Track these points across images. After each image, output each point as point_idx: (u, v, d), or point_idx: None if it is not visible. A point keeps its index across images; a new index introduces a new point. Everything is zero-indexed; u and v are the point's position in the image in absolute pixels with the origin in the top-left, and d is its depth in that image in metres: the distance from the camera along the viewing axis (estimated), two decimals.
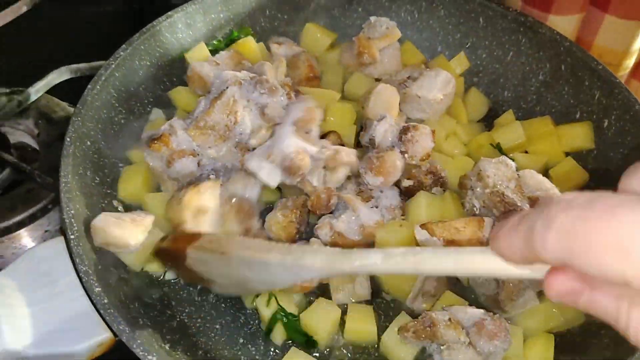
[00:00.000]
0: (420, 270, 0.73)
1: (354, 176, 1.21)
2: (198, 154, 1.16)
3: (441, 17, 1.55)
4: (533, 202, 1.09)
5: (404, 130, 1.20)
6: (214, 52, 1.40)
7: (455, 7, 1.52)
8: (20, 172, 1.37)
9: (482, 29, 1.52)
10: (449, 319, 1.02)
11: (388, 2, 1.56)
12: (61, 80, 1.52)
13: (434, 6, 1.54)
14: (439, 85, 1.35)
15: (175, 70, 1.41)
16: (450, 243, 1.09)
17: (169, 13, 1.37)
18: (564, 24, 1.87)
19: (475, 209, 1.15)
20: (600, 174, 1.33)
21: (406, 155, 1.19)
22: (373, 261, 0.75)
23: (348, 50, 1.48)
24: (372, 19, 1.50)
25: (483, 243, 1.10)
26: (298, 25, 1.55)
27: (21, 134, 1.52)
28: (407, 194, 1.21)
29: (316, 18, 1.56)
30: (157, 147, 1.15)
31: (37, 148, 1.49)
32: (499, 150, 1.36)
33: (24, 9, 1.73)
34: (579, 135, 1.36)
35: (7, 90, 1.53)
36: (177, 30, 1.39)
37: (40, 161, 1.45)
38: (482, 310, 1.04)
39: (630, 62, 2.03)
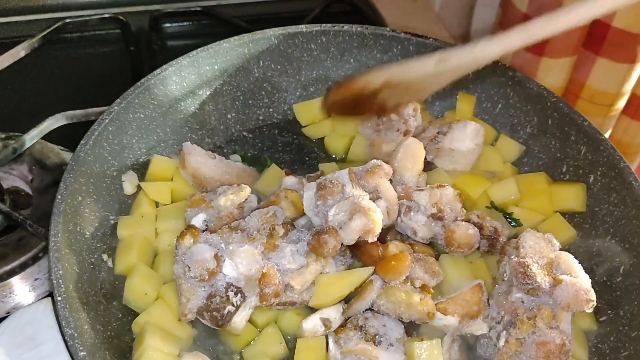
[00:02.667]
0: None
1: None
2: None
3: None
4: (555, 283, 1.11)
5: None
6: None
7: None
8: (12, 219, 1.38)
9: (472, 82, 1.55)
10: None
11: (379, 53, 1.59)
12: (57, 126, 1.54)
13: None
14: (470, 135, 1.40)
15: (168, 121, 1.43)
16: (464, 317, 1.13)
17: (163, 67, 1.40)
18: (557, 66, 1.91)
19: (505, 275, 1.18)
20: (585, 229, 1.35)
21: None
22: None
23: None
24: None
25: (484, 303, 1.16)
26: (291, 76, 1.58)
27: (14, 179, 1.54)
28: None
29: (309, 69, 1.59)
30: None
31: (31, 193, 1.50)
32: (494, 208, 1.37)
33: (22, 53, 1.77)
34: (572, 196, 1.36)
35: (3, 136, 1.55)
36: (170, 83, 1.41)
37: (33, 207, 1.47)
38: None
39: (621, 103, 2.06)
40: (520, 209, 1.36)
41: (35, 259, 1.35)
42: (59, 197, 1.14)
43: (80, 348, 0.95)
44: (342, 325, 1.11)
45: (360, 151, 1.49)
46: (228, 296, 1.09)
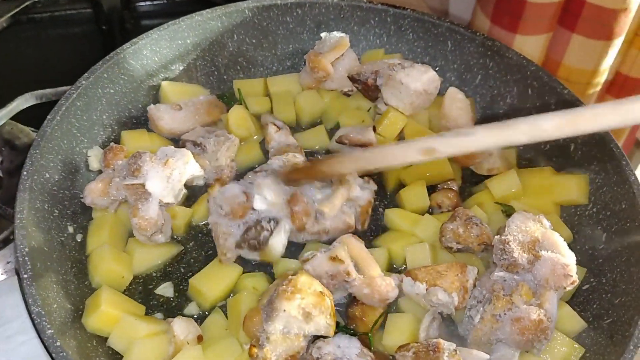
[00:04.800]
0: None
1: None
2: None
3: (410, 40, 1.54)
4: (535, 259, 1.08)
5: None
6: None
7: (424, 31, 1.52)
8: None
9: (451, 53, 1.52)
10: (455, 351, 1.01)
11: (357, 25, 1.55)
12: (26, 106, 1.49)
13: (403, 30, 1.54)
14: (425, 80, 1.39)
15: (140, 96, 1.39)
16: (433, 286, 1.11)
17: (134, 40, 1.36)
18: (531, 43, 1.88)
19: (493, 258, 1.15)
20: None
21: None
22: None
23: (304, 72, 1.50)
24: (323, 34, 1.51)
25: (466, 288, 1.12)
26: (267, 50, 1.54)
27: None
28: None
29: (285, 42, 1.55)
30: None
31: (1, 175, 1.46)
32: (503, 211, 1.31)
33: None
34: (574, 188, 1.30)
35: None
36: (142, 57, 1.37)
37: (2, 189, 1.42)
38: (487, 356, 1.03)
39: (600, 80, 2.04)
40: (521, 205, 1.30)
41: (5, 242, 1.30)
42: (25, 173, 1.10)
43: (48, 326, 0.92)
44: None
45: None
46: (262, 225, 1.15)
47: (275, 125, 1.38)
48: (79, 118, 1.25)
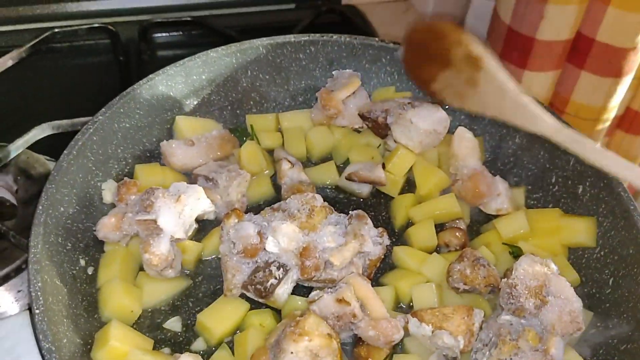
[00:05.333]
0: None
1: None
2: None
3: None
4: (542, 305, 1.09)
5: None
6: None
7: None
8: None
9: None
10: None
11: (368, 63, 1.58)
12: (43, 136, 1.52)
13: None
14: (435, 119, 1.41)
15: (154, 130, 1.42)
16: (439, 329, 1.12)
17: (150, 76, 1.39)
18: (540, 79, 1.90)
19: (500, 302, 1.16)
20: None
21: None
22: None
23: (316, 108, 1.52)
24: (335, 72, 1.54)
25: (472, 332, 1.12)
26: (280, 86, 1.57)
27: (0, 189, 1.52)
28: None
29: (298, 79, 1.58)
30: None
31: (16, 204, 1.48)
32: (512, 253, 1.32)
33: (10, 63, 1.76)
34: (582, 231, 1.31)
35: None
36: (157, 92, 1.40)
37: (17, 218, 1.45)
38: None
39: (609, 116, 2.05)
40: (529, 246, 1.31)
41: (18, 271, 1.32)
42: (40, 208, 1.12)
43: None
44: None
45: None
46: (271, 270, 1.15)
47: (288, 161, 1.40)
48: (94, 152, 1.28)
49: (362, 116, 1.48)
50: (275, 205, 1.24)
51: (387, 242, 1.25)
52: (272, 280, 1.14)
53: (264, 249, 1.17)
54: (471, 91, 1.16)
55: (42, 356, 0.94)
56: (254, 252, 1.16)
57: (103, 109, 1.30)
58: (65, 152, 1.21)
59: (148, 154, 1.41)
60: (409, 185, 1.45)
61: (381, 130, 1.47)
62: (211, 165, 1.38)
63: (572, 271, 1.28)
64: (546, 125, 1.09)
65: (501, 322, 1.11)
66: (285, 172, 1.39)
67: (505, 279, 1.14)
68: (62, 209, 1.18)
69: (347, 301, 1.09)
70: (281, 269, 1.15)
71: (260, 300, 1.17)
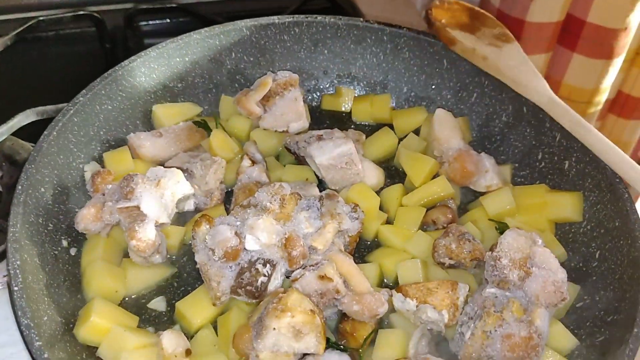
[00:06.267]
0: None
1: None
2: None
3: (406, 59, 1.56)
4: (526, 276, 1.08)
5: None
6: None
7: (420, 49, 1.54)
8: None
9: (447, 71, 1.53)
10: None
11: (353, 44, 1.57)
12: (27, 122, 1.51)
13: (399, 48, 1.55)
14: (334, 154, 1.31)
15: (137, 113, 1.41)
16: (423, 303, 1.11)
17: (132, 57, 1.38)
18: (532, 62, 1.89)
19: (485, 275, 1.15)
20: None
21: None
22: None
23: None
24: (279, 73, 1.46)
25: (457, 306, 1.12)
26: (264, 68, 1.56)
27: None
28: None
29: (283, 61, 1.57)
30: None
31: (0, 190, 1.47)
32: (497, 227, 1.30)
33: None
34: (569, 206, 1.30)
35: None
36: (139, 74, 1.39)
37: (1, 204, 1.43)
38: None
39: (601, 99, 2.05)
40: (516, 222, 1.29)
41: (2, 256, 1.31)
42: (19, 188, 1.11)
43: (36, 338, 0.93)
44: None
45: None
46: (257, 269, 1.11)
47: (251, 159, 1.35)
48: (75, 134, 1.27)
49: (286, 148, 1.43)
50: (245, 202, 1.19)
51: (362, 215, 1.23)
52: (262, 279, 1.10)
53: (244, 248, 1.12)
54: (492, 57, 1.41)
55: (21, 332, 0.93)
56: (236, 254, 1.11)
57: (84, 91, 1.29)
58: (45, 132, 1.21)
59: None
60: (390, 177, 1.44)
61: (304, 162, 1.40)
62: (182, 156, 1.36)
63: (559, 246, 1.28)
64: (556, 102, 1.31)
65: (486, 295, 1.10)
66: (243, 169, 1.34)
67: (490, 252, 1.13)
68: (42, 189, 1.17)
69: (329, 277, 1.09)
70: (268, 265, 1.11)
71: (254, 301, 1.13)
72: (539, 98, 1.34)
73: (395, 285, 1.22)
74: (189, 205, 1.31)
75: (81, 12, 1.94)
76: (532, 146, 1.42)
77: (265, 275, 1.11)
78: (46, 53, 1.92)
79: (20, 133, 1.49)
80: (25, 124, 1.50)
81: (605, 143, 1.24)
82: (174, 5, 2.00)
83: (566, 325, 1.14)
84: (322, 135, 1.36)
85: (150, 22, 2.02)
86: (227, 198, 1.36)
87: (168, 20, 2.04)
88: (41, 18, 1.89)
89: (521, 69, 1.39)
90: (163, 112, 1.43)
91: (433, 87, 1.56)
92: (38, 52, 1.91)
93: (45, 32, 1.93)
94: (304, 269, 1.12)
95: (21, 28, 1.84)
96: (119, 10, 2.00)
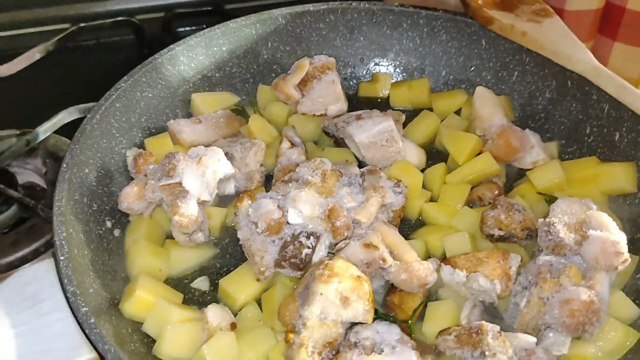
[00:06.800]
0: None
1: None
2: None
3: (443, 41, 1.54)
4: (582, 240, 1.03)
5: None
6: None
7: (457, 31, 1.52)
8: (26, 208, 1.37)
9: (485, 51, 1.50)
10: (499, 332, 0.96)
11: (389, 30, 1.56)
12: (70, 120, 1.54)
13: (435, 31, 1.54)
14: (375, 132, 1.29)
15: (177, 102, 1.42)
16: (473, 273, 1.07)
17: (171, 46, 1.40)
18: None
19: (538, 247, 1.11)
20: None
21: None
22: None
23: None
24: (316, 57, 1.46)
25: (509, 276, 1.07)
26: (300, 57, 1.55)
27: (30, 173, 1.53)
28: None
29: (318, 49, 1.57)
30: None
31: (45, 187, 1.50)
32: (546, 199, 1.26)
33: (37, 56, 1.79)
34: (621, 176, 1.24)
35: (18, 132, 1.55)
36: (178, 63, 1.41)
37: (46, 198, 1.45)
38: (534, 339, 0.98)
39: None
40: (566, 196, 1.20)
41: (47, 246, 1.33)
42: (64, 165, 1.13)
43: (83, 304, 0.92)
44: (335, 354, 1.00)
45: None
46: (301, 241, 1.10)
47: (290, 141, 1.35)
48: (117, 119, 1.28)
49: (324, 132, 1.42)
50: (286, 177, 1.18)
51: (405, 190, 1.20)
52: (306, 251, 1.09)
53: (287, 222, 1.11)
54: (532, 32, 1.39)
55: (67, 299, 0.92)
56: (279, 227, 1.10)
57: (125, 77, 1.31)
58: (88, 116, 1.22)
59: None
60: (432, 159, 1.40)
61: (343, 145, 1.39)
62: (222, 142, 1.36)
63: (614, 218, 1.21)
64: (602, 70, 1.28)
65: (540, 262, 1.05)
66: (283, 151, 1.33)
67: (542, 219, 1.09)
68: (86, 170, 1.18)
69: (375, 245, 1.06)
70: (312, 237, 1.10)
71: (299, 273, 1.11)
72: (583, 68, 1.30)
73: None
74: (230, 189, 1.30)
75: (120, 19, 1.98)
76: (579, 120, 1.37)
77: (309, 247, 1.08)
78: (87, 59, 1.97)
79: (63, 131, 1.52)
80: (67, 121, 1.53)
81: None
82: (209, 8, 2.03)
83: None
84: (361, 114, 1.34)
85: (187, 28, 2.06)
86: (267, 182, 1.34)
87: (204, 26, 2.07)
88: (82, 24, 1.94)
89: (563, 41, 1.36)
90: (202, 100, 1.44)
91: (472, 68, 1.54)
92: (79, 58, 1.95)
93: (86, 40, 1.98)
94: (348, 239, 1.09)
95: (62, 34, 1.89)
96: (157, 18, 2.04)
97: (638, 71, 1.91)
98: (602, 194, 1.27)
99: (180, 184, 1.15)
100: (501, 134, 1.35)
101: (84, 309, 0.92)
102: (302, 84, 1.43)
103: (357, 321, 0.99)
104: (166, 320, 1.03)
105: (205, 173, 1.19)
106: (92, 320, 0.90)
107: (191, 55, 1.43)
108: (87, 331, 0.89)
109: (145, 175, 1.21)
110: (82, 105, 1.54)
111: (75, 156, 1.15)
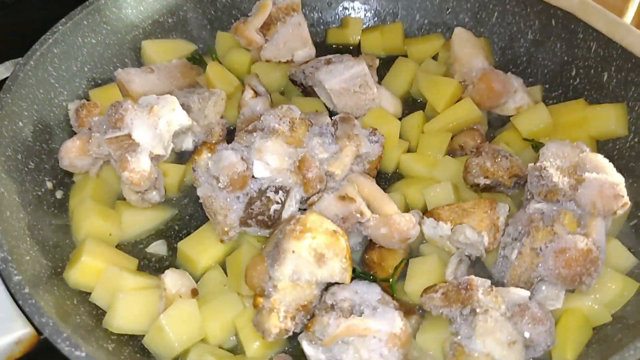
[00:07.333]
0: None
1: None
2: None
3: None
4: (577, 183, 0.93)
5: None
6: None
7: None
8: None
9: None
10: (491, 287, 0.87)
11: None
12: (7, 75, 1.37)
13: None
14: (346, 77, 1.18)
15: (125, 50, 1.28)
16: (459, 225, 0.98)
17: None
18: None
19: (527, 194, 1.01)
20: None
21: None
22: None
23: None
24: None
25: (497, 227, 0.98)
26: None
27: None
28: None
29: None
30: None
31: None
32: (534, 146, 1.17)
33: None
34: (612, 118, 1.15)
35: None
36: (124, 5, 1.26)
37: None
38: (528, 293, 0.89)
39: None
40: None
41: None
42: None
43: (15, 272, 0.79)
44: (310, 319, 0.89)
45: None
46: (268, 197, 0.98)
47: (253, 90, 1.21)
48: (56, 67, 1.14)
49: (291, 80, 1.29)
50: (250, 127, 1.05)
51: (382, 138, 1.09)
52: (275, 206, 0.97)
53: (252, 176, 0.99)
54: None
55: None
56: (243, 181, 0.98)
57: (63, 19, 1.16)
58: (21, 61, 1.07)
59: None
60: (408, 109, 1.29)
61: (312, 94, 1.27)
62: (177, 93, 1.21)
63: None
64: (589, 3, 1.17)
65: (531, 211, 0.96)
66: (246, 101, 1.19)
67: (533, 164, 0.99)
68: (20, 123, 1.04)
69: (351, 197, 0.95)
70: (280, 192, 0.98)
71: (267, 231, 1.00)
72: (569, 3, 1.20)
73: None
74: (188, 144, 1.17)
75: None
76: (564, 62, 1.28)
77: (278, 203, 0.97)
78: (21, 13, 1.78)
79: None
80: (4, 77, 1.36)
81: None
82: None
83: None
84: (331, 59, 1.22)
85: None
86: (230, 137, 1.22)
87: None
88: None
89: None
90: (153, 48, 1.30)
91: (448, 10, 1.42)
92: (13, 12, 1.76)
93: None
94: (321, 193, 0.98)
95: None
96: None
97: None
98: (591, 139, 1.18)
99: (129, 136, 1.01)
100: (483, 78, 1.24)
101: (17, 277, 0.79)
102: (265, 28, 1.29)
103: (333, 281, 0.89)
104: (117, 288, 0.91)
105: (158, 124, 1.05)
106: (26, 290, 0.78)
107: None
108: (20, 302, 0.77)
109: (90, 129, 1.07)
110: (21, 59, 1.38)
111: (6, 106, 1.00)
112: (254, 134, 1.03)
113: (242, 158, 0.98)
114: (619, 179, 0.93)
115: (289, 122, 1.03)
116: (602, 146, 1.19)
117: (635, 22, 1.90)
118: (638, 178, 1.10)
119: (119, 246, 1.05)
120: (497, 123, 1.28)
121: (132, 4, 1.27)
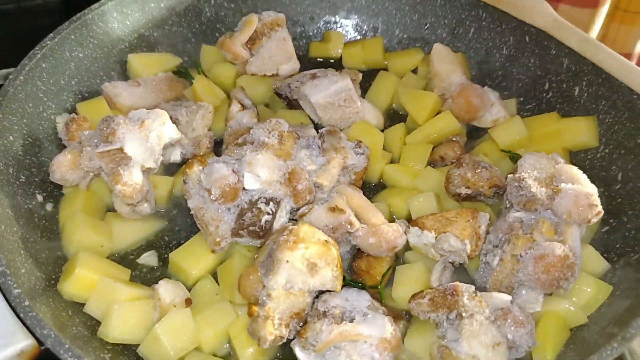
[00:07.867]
0: None
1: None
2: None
3: None
4: (554, 194, 0.98)
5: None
6: None
7: None
8: None
9: (440, 8, 1.45)
10: (475, 292, 0.91)
11: None
12: None
13: None
14: (331, 92, 1.21)
15: (111, 63, 1.29)
16: (443, 233, 1.02)
17: (102, 1, 1.26)
18: None
19: (506, 203, 1.05)
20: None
21: None
22: None
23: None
24: (264, 13, 1.35)
25: (479, 235, 1.02)
26: (246, 15, 1.44)
27: None
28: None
29: (265, 7, 1.46)
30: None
31: None
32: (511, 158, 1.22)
33: None
34: (583, 130, 1.20)
35: None
36: (111, 20, 1.27)
37: None
38: (509, 297, 0.93)
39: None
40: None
41: None
42: None
43: (14, 286, 0.80)
44: (303, 325, 0.92)
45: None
46: (259, 208, 1.00)
47: (240, 103, 1.23)
48: (45, 81, 1.15)
49: (276, 94, 1.32)
50: (239, 140, 1.08)
51: (367, 150, 1.13)
52: (266, 217, 1.00)
53: (243, 188, 1.01)
54: None
55: None
56: (234, 193, 1.00)
57: (51, 34, 1.17)
58: (11, 76, 1.08)
59: None
60: (390, 120, 1.33)
61: (297, 106, 1.30)
62: (164, 106, 1.23)
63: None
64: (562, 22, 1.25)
65: (511, 220, 1.01)
66: (233, 114, 1.21)
67: (512, 175, 1.04)
68: (11, 137, 1.05)
69: (340, 209, 0.98)
70: (271, 203, 1.01)
71: (259, 241, 1.02)
72: (544, 21, 1.26)
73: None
74: (175, 156, 1.19)
75: None
76: (538, 77, 1.34)
77: (269, 214, 1.00)
78: (8, 24, 1.78)
79: None
80: None
81: (619, 59, 1.16)
82: None
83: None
84: (316, 73, 1.26)
85: None
86: (217, 149, 1.24)
87: None
88: None
89: None
90: (140, 61, 1.31)
91: (427, 26, 1.48)
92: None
93: (5, 3, 1.79)
94: (311, 204, 1.02)
95: None
96: None
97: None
98: (564, 150, 1.24)
99: (121, 149, 1.03)
100: (461, 92, 1.29)
101: (16, 290, 0.80)
102: (251, 42, 1.32)
103: (325, 289, 0.92)
104: (112, 299, 0.92)
105: (149, 137, 1.07)
106: (26, 303, 0.79)
107: (125, 12, 1.29)
108: (22, 315, 0.78)
109: (80, 143, 1.08)
110: (4, 71, 1.39)
111: None
112: (244, 147, 1.06)
113: (233, 171, 1.01)
114: (592, 190, 0.99)
115: (278, 135, 1.06)
116: (575, 156, 1.24)
117: (600, 36, 2.00)
118: (608, 186, 1.16)
119: (110, 257, 1.06)
120: (475, 134, 1.33)
121: (118, 18, 1.29)
